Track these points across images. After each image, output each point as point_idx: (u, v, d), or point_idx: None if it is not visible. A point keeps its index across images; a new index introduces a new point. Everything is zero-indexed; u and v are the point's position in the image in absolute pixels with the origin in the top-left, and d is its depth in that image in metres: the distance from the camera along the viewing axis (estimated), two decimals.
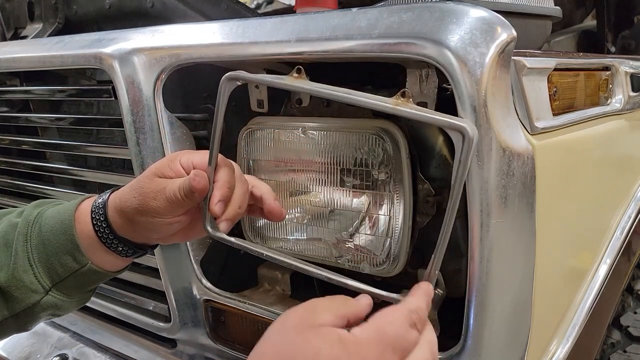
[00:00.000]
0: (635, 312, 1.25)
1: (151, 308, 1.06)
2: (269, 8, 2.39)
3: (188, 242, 0.90)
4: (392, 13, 0.65)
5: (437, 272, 0.60)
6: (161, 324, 1.02)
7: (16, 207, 0.79)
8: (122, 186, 0.72)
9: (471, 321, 0.68)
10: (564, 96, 0.81)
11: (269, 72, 0.82)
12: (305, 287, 0.92)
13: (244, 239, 0.86)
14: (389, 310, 0.56)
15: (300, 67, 0.66)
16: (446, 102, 0.66)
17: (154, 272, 0.98)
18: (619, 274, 1.06)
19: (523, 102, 0.70)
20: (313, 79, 0.67)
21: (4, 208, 0.81)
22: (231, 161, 0.71)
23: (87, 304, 0.81)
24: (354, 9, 0.69)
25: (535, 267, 0.73)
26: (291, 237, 0.84)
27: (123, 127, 0.88)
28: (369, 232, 0.76)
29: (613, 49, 1.64)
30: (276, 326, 0.55)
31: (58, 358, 1.16)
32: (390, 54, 0.64)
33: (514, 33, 0.63)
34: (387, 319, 0.54)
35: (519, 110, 0.69)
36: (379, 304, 0.59)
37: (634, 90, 1.06)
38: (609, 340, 1.22)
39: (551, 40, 1.56)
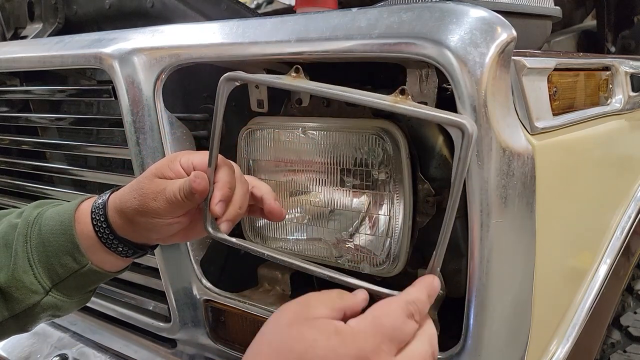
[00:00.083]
0: (635, 312, 1.24)
1: (151, 308, 1.06)
2: (269, 8, 2.39)
3: (188, 242, 0.90)
4: (392, 13, 0.65)
5: (438, 269, 0.60)
6: (161, 324, 1.02)
7: (16, 207, 0.79)
8: (122, 186, 0.72)
9: (471, 321, 0.68)
10: (564, 96, 0.81)
11: (269, 72, 0.82)
12: (305, 287, 0.92)
13: (244, 239, 0.86)
14: (386, 302, 0.55)
15: (299, 66, 0.66)
16: (446, 102, 0.66)
17: (154, 272, 0.98)
18: (619, 274, 1.06)
19: (523, 102, 0.70)
20: (313, 79, 0.67)
21: (4, 208, 0.81)
22: (231, 161, 0.72)
23: (87, 304, 0.81)
24: (354, 9, 0.69)
25: (535, 267, 0.73)
26: (291, 237, 0.84)
27: (123, 127, 0.88)
28: (369, 232, 0.76)
29: (613, 49, 1.64)
30: (271, 323, 0.55)
31: (58, 358, 1.16)
32: (390, 54, 0.64)
33: (514, 33, 0.63)
34: (383, 310, 0.54)
35: (519, 110, 0.69)
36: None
37: (634, 90, 1.06)
38: (609, 340, 1.22)
39: (551, 40, 1.56)
